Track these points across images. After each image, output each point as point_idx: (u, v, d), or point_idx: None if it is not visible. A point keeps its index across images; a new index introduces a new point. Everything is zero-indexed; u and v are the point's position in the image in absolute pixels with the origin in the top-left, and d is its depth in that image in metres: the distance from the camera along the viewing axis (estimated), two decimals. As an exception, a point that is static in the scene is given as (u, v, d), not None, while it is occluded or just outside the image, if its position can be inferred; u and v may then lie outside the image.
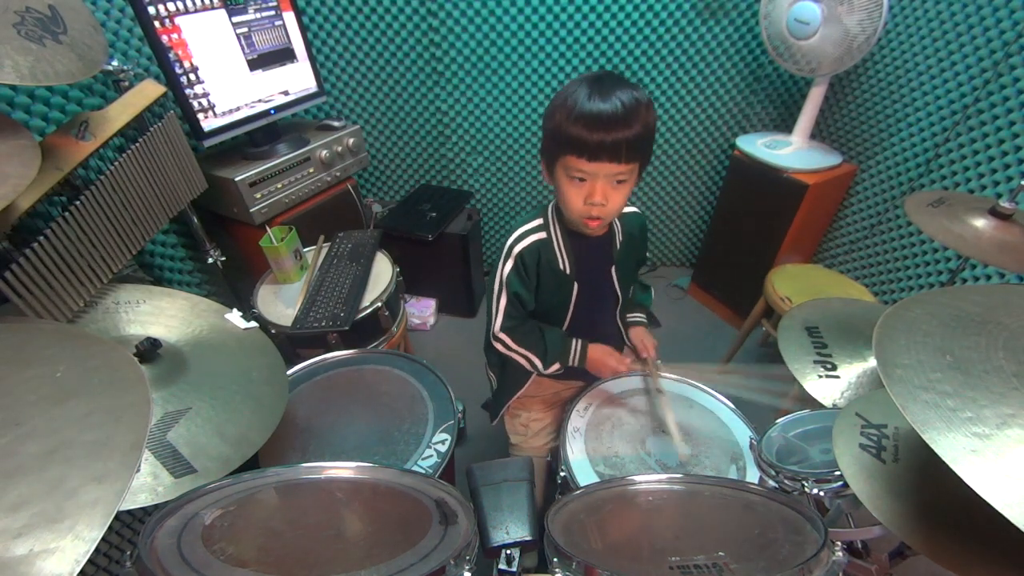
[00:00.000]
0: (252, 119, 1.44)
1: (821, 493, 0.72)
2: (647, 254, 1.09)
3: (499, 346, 0.98)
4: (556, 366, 0.98)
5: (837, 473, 0.68)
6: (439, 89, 1.94)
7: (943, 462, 0.41)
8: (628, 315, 1.11)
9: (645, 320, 1.12)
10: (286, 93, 1.54)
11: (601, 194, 0.79)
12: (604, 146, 0.74)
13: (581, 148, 0.75)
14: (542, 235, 0.91)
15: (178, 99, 1.27)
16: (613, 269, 0.98)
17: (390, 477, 0.58)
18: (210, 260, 1.45)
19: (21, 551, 0.33)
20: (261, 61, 1.44)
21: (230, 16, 1.34)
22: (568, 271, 0.93)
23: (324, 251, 1.52)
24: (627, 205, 0.96)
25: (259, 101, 1.46)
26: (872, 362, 0.96)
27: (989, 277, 1.44)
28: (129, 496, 0.48)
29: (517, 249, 0.90)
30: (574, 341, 0.98)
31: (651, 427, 1.01)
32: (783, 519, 0.61)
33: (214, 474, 0.70)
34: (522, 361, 0.99)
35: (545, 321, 1.00)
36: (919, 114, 1.58)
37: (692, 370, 1.07)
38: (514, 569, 0.68)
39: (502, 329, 0.96)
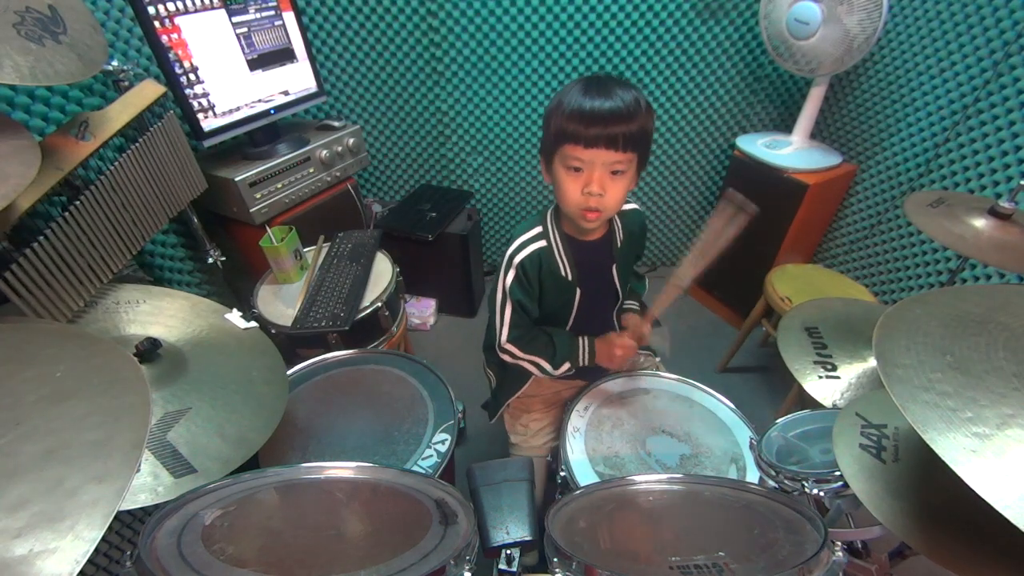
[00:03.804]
0: (252, 119, 1.44)
1: (821, 493, 0.72)
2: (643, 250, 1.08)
3: (507, 357, 0.98)
4: (566, 366, 0.97)
5: (837, 473, 0.68)
6: (439, 89, 1.94)
7: (943, 462, 0.41)
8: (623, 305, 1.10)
9: (637, 307, 1.12)
10: (286, 93, 1.53)
11: (598, 183, 0.79)
12: (601, 136, 0.75)
13: (578, 137, 0.76)
14: (542, 243, 0.91)
15: (178, 99, 1.27)
16: (614, 268, 0.98)
17: (390, 477, 0.58)
18: (210, 260, 1.45)
19: (21, 551, 0.33)
20: (261, 61, 1.44)
21: (230, 16, 1.34)
22: (570, 277, 0.93)
23: (324, 251, 1.52)
24: (628, 202, 0.96)
25: (259, 101, 1.45)
26: (872, 362, 0.96)
27: (989, 277, 1.44)
28: (129, 496, 0.48)
29: (518, 259, 0.90)
30: (580, 340, 0.98)
31: (651, 427, 1.01)
32: (783, 519, 0.61)
33: (214, 474, 0.70)
34: (530, 367, 0.98)
35: (547, 326, 1.00)
36: (919, 114, 1.58)
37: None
38: (514, 569, 0.68)
39: (509, 340, 0.95)
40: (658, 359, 1.22)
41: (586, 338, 0.98)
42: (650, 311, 0.97)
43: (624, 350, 0.96)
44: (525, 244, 0.90)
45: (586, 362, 0.98)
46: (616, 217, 0.96)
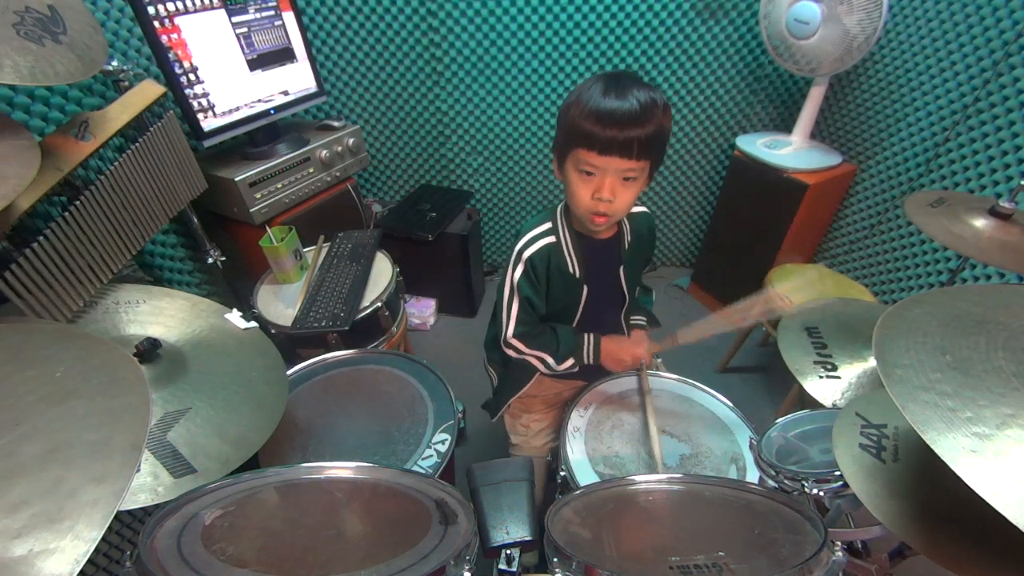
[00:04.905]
0: (252, 119, 1.44)
1: (821, 493, 0.72)
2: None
3: (511, 352, 0.97)
4: (570, 362, 0.97)
5: (837, 473, 0.68)
6: (439, 89, 1.94)
7: (943, 462, 0.41)
8: (630, 317, 1.11)
9: (645, 323, 1.12)
10: (286, 93, 1.53)
11: (609, 190, 0.78)
12: (616, 142, 0.74)
13: (592, 142, 0.75)
14: (551, 239, 0.91)
15: (178, 99, 1.27)
16: (621, 269, 0.98)
17: (390, 477, 0.58)
18: (210, 260, 1.45)
19: (21, 551, 0.33)
20: (261, 61, 1.44)
21: (230, 16, 1.34)
22: (577, 274, 0.93)
23: (324, 251, 1.52)
24: (636, 205, 0.96)
25: (259, 101, 1.45)
26: (872, 362, 0.96)
27: (989, 277, 1.44)
28: (129, 496, 0.48)
29: (527, 254, 0.89)
30: (586, 336, 0.97)
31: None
32: (783, 519, 0.61)
33: (214, 474, 0.70)
34: (535, 362, 0.98)
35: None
36: (919, 114, 1.58)
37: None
38: (514, 569, 0.68)
39: (514, 335, 0.94)
40: (659, 360, 1.22)
41: (591, 335, 0.98)
42: (664, 340, 0.97)
43: (634, 360, 0.96)
44: (534, 239, 0.90)
45: (591, 360, 0.97)
46: (625, 219, 0.96)
